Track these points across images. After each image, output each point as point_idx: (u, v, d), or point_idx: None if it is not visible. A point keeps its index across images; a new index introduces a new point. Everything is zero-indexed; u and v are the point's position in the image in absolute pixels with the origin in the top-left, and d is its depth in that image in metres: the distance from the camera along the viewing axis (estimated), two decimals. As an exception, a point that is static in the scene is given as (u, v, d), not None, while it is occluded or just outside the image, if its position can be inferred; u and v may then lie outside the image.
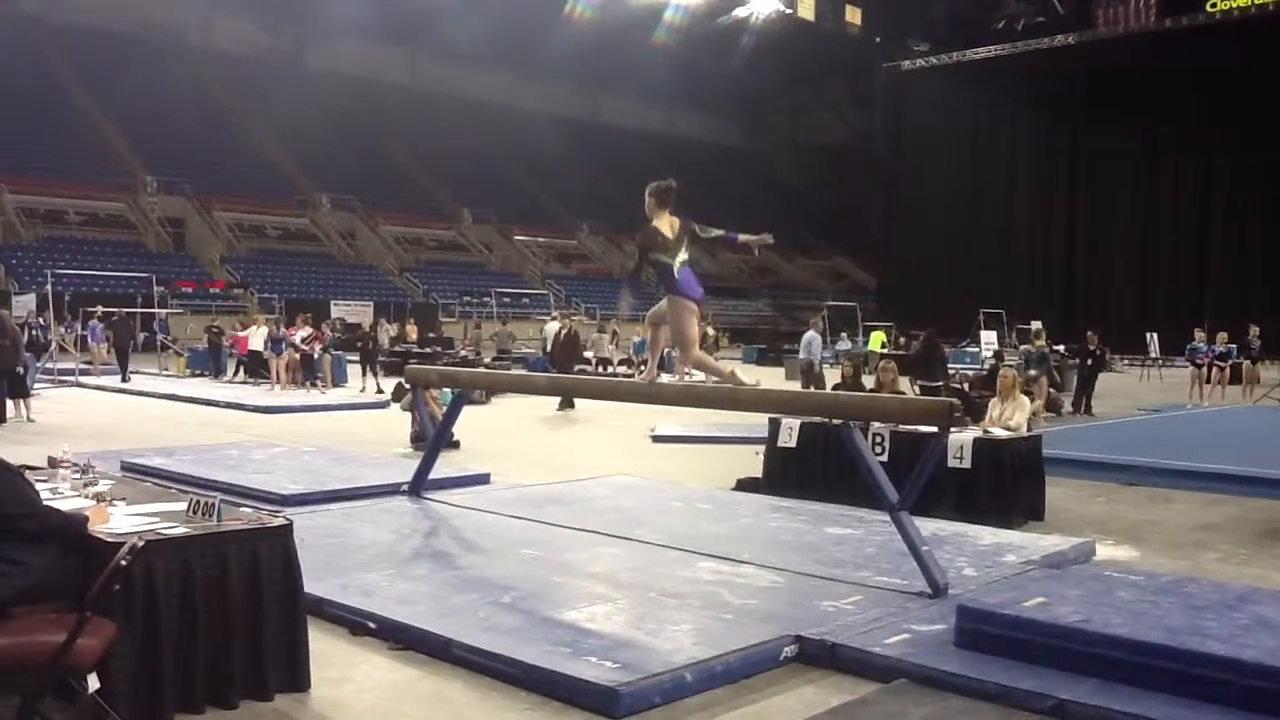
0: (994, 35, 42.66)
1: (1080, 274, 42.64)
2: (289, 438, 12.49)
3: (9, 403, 14.11)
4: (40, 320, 23.94)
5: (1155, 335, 29.42)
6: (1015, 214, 44.52)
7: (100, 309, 25.05)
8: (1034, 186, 44.20)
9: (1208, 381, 19.26)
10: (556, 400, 16.76)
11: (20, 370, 14.48)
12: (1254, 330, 20.08)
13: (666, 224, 6.44)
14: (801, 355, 18.47)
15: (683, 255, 6.45)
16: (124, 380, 21.11)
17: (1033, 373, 16.16)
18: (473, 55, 52.91)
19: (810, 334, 18.48)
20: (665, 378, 11.88)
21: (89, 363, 23.59)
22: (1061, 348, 29.50)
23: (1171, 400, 19.49)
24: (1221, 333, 20.00)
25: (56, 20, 45.70)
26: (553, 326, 21.66)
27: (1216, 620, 4.65)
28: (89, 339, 24.08)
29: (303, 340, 19.90)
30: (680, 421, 14.25)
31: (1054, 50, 41.01)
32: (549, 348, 21.02)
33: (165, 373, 23.93)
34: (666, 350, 10.04)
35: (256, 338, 21.90)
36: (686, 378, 13.83)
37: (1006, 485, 8.35)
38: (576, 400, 16.41)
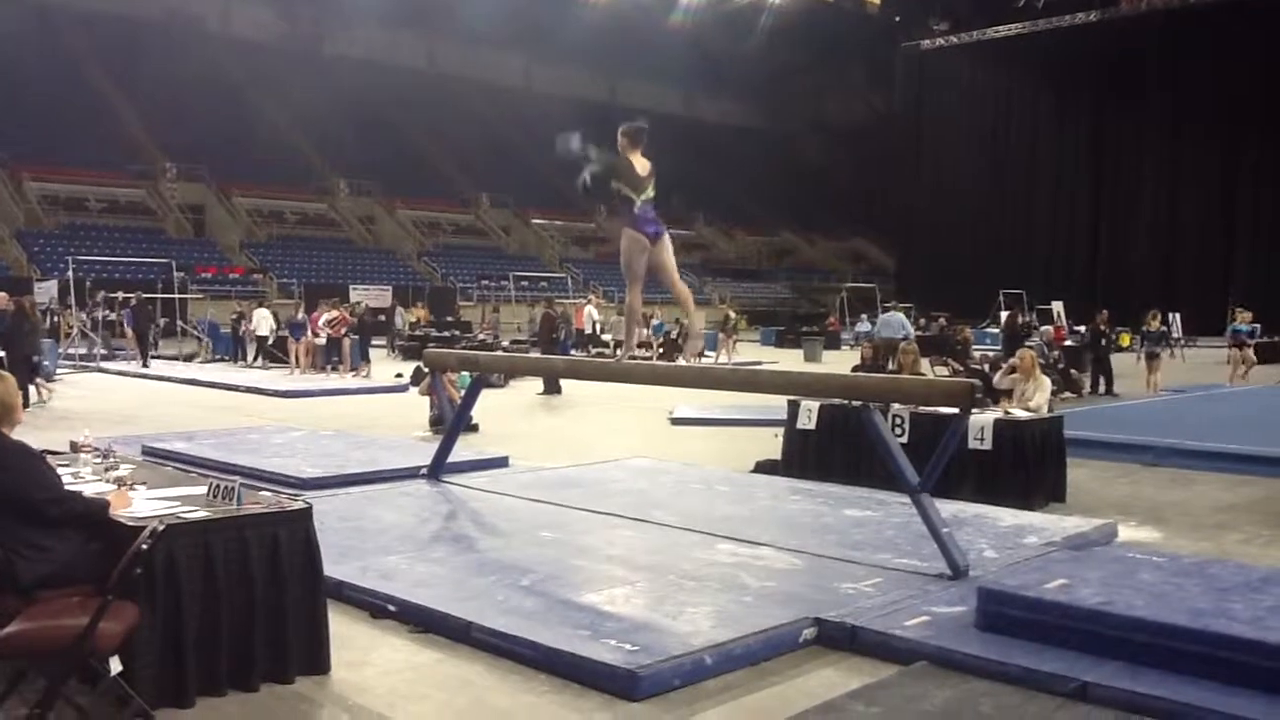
0: (1015, 13, 42.28)
1: (1102, 254, 42.35)
2: (308, 422, 12.53)
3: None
4: (54, 305, 24.06)
5: (1177, 315, 29.19)
6: (1036, 194, 44.21)
7: (121, 294, 25.15)
8: (1055, 165, 43.87)
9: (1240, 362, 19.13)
10: (578, 384, 16.75)
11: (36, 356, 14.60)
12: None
13: (639, 162, 6.57)
14: (884, 333, 18.52)
15: (648, 194, 6.58)
16: (144, 365, 21.22)
17: (1154, 349, 17.85)
18: (490, 39, 52.79)
19: (891, 314, 18.91)
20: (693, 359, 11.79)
21: (119, 348, 23.69)
22: (1082, 328, 29.36)
23: (1194, 381, 19.32)
24: (1245, 312, 19.87)
25: (77, 7, 45.82)
26: (590, 311, 21.96)
27: (1241, 602, 4.61)
28: (125, 324, 24.14)
29: (327, 323, 19.97)
30: (699, 404, 14.24)
31: (1076, 28, 40.65)
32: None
33: (185, 358, 24.04)
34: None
35: (261, 322, 22.10)
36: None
37: (1028, 467, 8.30)
38: (585, 384, 16.40)
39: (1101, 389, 17.23)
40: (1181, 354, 27.26)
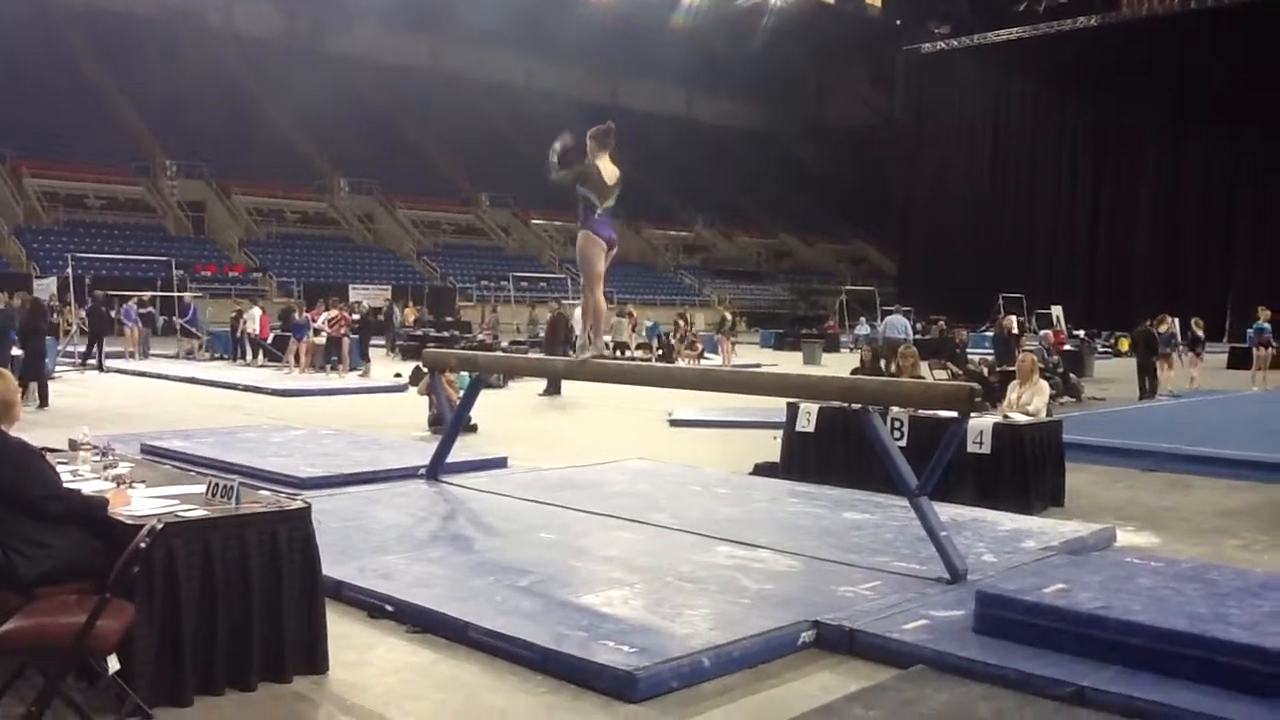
0: (1016, 17, 42.25)
1: (1102, 258, 42.28)
2: (307, 421, 12.53)
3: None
4: (53, 302, 24.02)
5: (1177, 320, 29.17)
6: (1037, 197, 44.14)
7: (140, 294, 25.10)
8: (1056, 169, 43.83)
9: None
10: (578, 385, 16.73)
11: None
12: (1264, 313, 20.16)
13: (607, 169, 6.74)
14: (887, 334, 18.58)
15: (610, 203, 6.80)
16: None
17: (1164, 350, 18.28)
18: (492, 39, 52.83)
19: (895, 317, 18.87)
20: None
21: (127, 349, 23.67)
22: (1081, 333, 29.34)
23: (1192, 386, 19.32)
24: (1196, 318, 20.29)
25: (78, 4, 45.84)
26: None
27: (1239, 607, 4.61)
28: (123, 322, 24.07)
29: (326, 322, 19.95)
30: (698, 406, 14.24)
31: (1077, 32, 40.58)
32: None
33: (185, 354, 24.03)
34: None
35: (253, 321, 22.10)
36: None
37: (1027, 471, 8.29)
38: (584, 385, 16.41)
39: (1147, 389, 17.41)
40: (1180, 358, 27.20)
